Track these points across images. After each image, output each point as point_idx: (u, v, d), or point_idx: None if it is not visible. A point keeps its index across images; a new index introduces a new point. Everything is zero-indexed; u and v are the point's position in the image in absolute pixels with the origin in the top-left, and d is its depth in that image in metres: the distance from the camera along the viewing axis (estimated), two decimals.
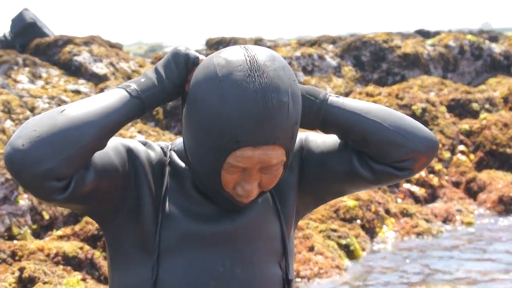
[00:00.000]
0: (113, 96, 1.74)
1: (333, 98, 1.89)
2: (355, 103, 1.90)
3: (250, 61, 1.71)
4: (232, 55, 1.73)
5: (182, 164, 1.90)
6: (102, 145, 1.71)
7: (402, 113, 1.90)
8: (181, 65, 1.81)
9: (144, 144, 1.91)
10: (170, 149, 1.92)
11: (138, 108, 1.76)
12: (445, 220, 8.44)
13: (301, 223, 6.92)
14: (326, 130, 1.90)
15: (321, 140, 1.97)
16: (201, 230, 1.85)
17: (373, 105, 1.91)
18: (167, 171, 1.90)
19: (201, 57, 1.83)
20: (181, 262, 1.85)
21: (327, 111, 1.87)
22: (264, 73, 1.70)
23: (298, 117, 1.75)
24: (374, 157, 1.88)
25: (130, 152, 1.84)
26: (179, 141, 1.94)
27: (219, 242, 1.86)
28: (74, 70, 9.83)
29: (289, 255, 1.97)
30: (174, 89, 1.81)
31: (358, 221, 7.68)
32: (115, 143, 1.82)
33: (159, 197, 1.87)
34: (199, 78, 1.74)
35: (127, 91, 1.75)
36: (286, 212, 1.96)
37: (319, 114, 1.87)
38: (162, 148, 1.92)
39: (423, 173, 9.29)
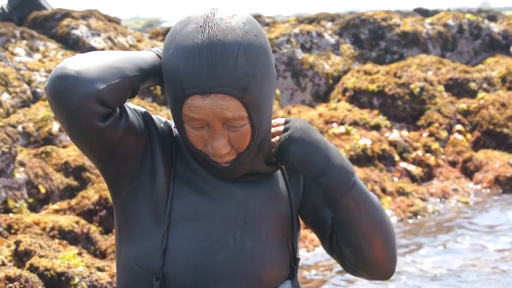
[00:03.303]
0: (142, 51, 1.87)
1: (355, 193, 1.87)
2: (372, 207, 1.89)
3: (207, 15, 1.77)
4: (196, 11, 1.81)
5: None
6: (137, 87, 1.81)
7: (391, 235, 1.92)
8: None
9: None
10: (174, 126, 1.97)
11: (157, 61, 1.85)
12: (441, 199, 8.46)
13: None
14: (329, 206, 1.92)
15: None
16: (210, 202, 1.89)
17: (384, 218, 1.90)
18: (174, 146, 1.94)
19: None
20: (191, 233, 1.87)
21: (343, 201, 1.87)
22: (216, 25, 1.75)
23: (255, 72, 1.76)
24: (341, 246, 1.93)
25: (147, 116, 1.91)
26: None
27: (229, 215, 1.89)
28: (71, 43, 9.80)
29: (297, 235, 1.99)
30: None
31: None
32: (135, 106, 1.90)
33: (170, 167, 1.90)
34: (169, 33, 1.83)
35: (152, 51, 1.87)
36: (295, 192, 1.98)
37: (336, 199, 1.88)
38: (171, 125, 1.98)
39: (419, 152, 9.30)
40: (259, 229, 1.90)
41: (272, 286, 1.91)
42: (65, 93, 1.70)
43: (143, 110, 1.92)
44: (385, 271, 1.92)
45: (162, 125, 1.94)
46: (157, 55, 1.86)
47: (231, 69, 1.72)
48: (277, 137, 1.88)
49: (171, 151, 1.92)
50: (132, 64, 1.78)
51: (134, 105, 1.90)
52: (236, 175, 1.89)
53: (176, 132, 1.95)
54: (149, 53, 1.86)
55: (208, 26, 1.74)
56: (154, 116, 1.94)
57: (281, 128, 1.89)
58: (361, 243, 1.87)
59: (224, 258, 1.86)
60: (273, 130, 1.90)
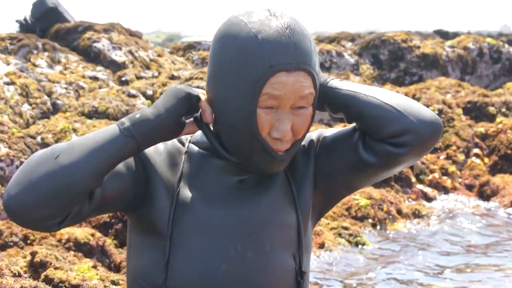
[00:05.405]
0: (107, 136, 1.79)
1: (334, 82, 1.98)
2: (356, 85, 1.98)
3: (268, 9, 1.86)
4: (250, 8, 1.88)
5: (201, 150, 1.97)
6: (97, 186, 1.78)
7: (405, 96, 1.96)
8: (182, 99, 1.86)
9: None
10: (189, 141, 2.00)
11: (131, 147, 1.80)
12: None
13: None
14: (332, 112, 1.99)
15: (335, 131, 2.05)
16: (215, 213, 1.90)
17: (375, 87, 1.97)
18: (183, 158, 1.96)
19: (202, 96, 1.90)
20: (193, 245, 1.89)
21: (327, 93, 1.96)
22: (282, 14, 1.85)
23: (317, 58, 1.88)
24: (372, 133, 1.93)
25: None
26: (198, 132, 2.00)
27: (232, 226, 1.91)
28: (93, 56, 9.87)
29: (305, 247, 1.99)
30: (173, 123, 1.85)
31: (370, 220, 7.69)
32: None
33: (173, 183, 1.93)
34: (223, 30, 1.87)
35: (120, 129, 1.80)
36: (303, 203, 2.00)
37: (320, 95, 1.96)
38: (180, 140, 2.00)
39: (436, 175, 9.28)
40: (263, 240, 1.91)
41: None
42: (13, 219, 1.74)
43: None
44: (424, 118, 1.89)
45: (157, 145, 1.95)
46: (121, 130, 1.79)
47: (309, 49, 1.83)
48: None
49: (174, 167, 1.95)
50: (84, 173, 1.74)
51: None
52: (280, 168, 1.92)
53: (190, 146, 1.98)
54: (111, 134, 1.79)
55: (277, 15, 1.83)
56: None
57: None
58: (379, 103, 1.91)
59: (226, 270, 1.88)
60: None
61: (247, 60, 1.80)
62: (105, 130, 1.80)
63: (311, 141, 2.04)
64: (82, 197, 1.75)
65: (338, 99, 1.95)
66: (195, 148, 1.98)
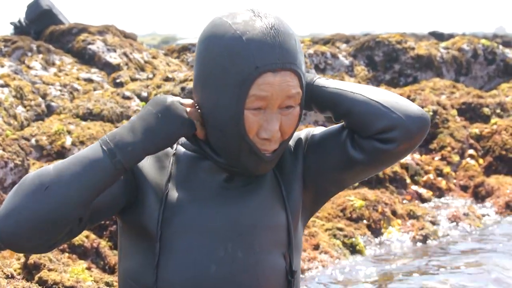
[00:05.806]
0: (97, 167, 1.78)
1: (321, 80, 1.99)
2: (343, 82, 1.99)
3: (252, 9, 1.85)
4: (234, 9, 1.87)
5: (189, 152, 1.98)
6: (87, 211, 1.79)
7: (391, 92, 1.96)
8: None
9: None
10: (177, 143, 2.00)
11: (120, 174, 1.81)
12: (452, 224, 8.43)
13: None
14: (319, 110, 2.01)
15: (323, 130, 2.06)
16: (204, 214, 1.91)
17: (362, 85, 1.98)
18: (171, 160, 1.96)
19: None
20: (183, 246, 1.90)
21: (314, 91, 1.96)
22: (267, 14, 1.85)
23: (303, 57, 1.88)
24: (359, 130, 1.93)
25: None
26: None
27: (222, 227, 1.91)
28: (87, 58, 9.86)
29: (295, 247, 1.99)
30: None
31: (364, 221, 7.69)
32: None
33: (161, 185, 1.94)
34: (207, 31, 1.86)
35: (111, 161, 1.79)
36: (292, 203, 2.00)
37: (307, 95, 1.97)
38: None
39: (431, 176, 9.28)
40: (252, 241, 1.91)
41: None
42: (6, 246, 1.76)
43: None
44: (411, 114, 1.89)
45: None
46: (114, 164, 1.79)
47: (295, 48, 1.83)
48: None
49: (163, 170, 1.95)
50: (76, 205, 1.74)
51: None
52: (267, 169, 1.92)
53: (178, 148, 1.98)
54: (102, 166, 1.78)
55: (261, 15, 1.83)
56: None
57: None
58: (366, 100, 1.91)
59: (216, 271, 1.88)
60: None
61: (232, 62, 1.79)
62: (94, 159, 1.78)
63: (299, 140, 2.04)
64: (73, 224, 1.77)
65: (325, 97, 1.95)
66: (183, 150, 1.98)
